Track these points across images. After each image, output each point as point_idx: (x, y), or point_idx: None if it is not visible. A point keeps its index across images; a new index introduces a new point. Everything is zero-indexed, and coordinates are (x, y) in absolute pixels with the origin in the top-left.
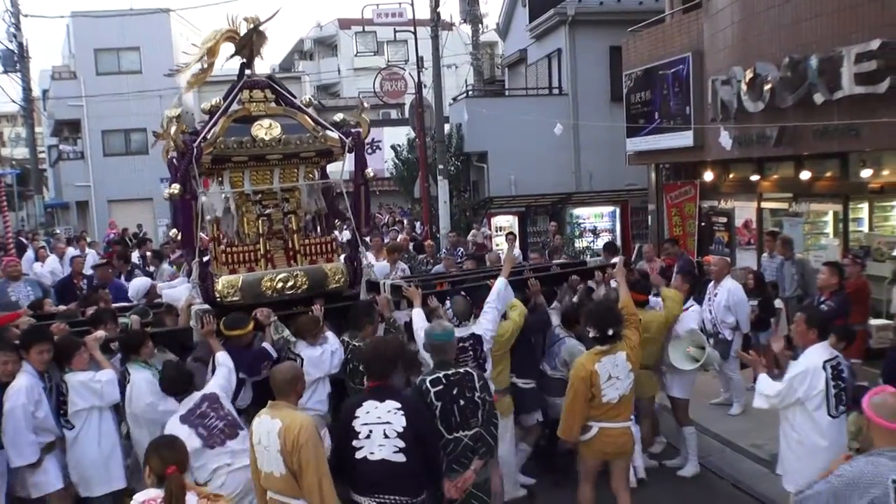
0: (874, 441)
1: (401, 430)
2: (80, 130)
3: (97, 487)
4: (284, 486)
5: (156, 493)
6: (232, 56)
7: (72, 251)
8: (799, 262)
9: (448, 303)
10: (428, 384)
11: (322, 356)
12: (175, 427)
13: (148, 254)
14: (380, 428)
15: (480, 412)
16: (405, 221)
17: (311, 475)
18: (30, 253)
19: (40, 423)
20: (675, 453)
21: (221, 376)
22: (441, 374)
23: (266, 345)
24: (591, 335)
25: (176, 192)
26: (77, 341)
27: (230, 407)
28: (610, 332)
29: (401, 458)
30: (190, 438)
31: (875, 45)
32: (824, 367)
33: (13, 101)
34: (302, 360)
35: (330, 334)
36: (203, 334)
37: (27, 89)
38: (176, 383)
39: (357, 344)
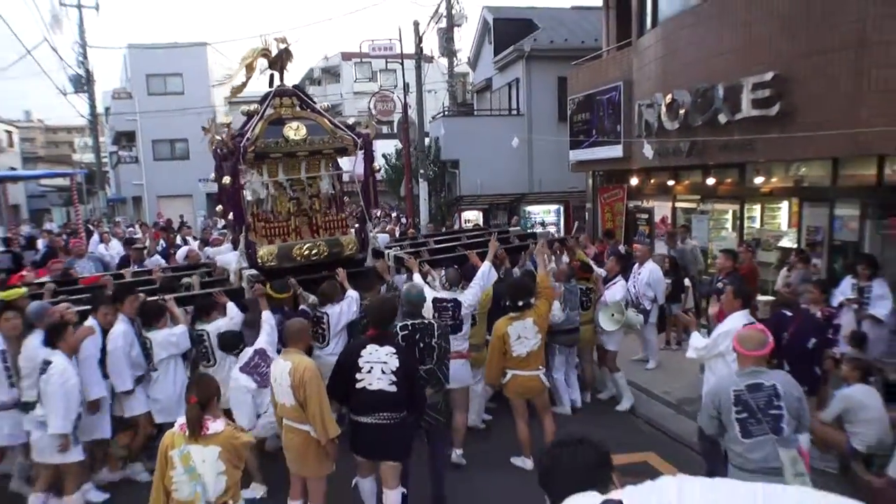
0: (738, 363)
1: (395, 368)
2: (134, 140)
3: (171, 416)
4: (294, 413)
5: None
6: (265, 70)
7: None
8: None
9: (443, 272)
10: (398, 328)
11: (341, 311)
12: (237, 375)
13: (188, 238)
14: (378, 366)
15: (435, 353)
16: (393, 215)
17: (314, 405)
18: (95, 236)
19: (134, 360)
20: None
21: (266, 333)
22: (409, 322)
23: (304, 307)
24: (507, 304)
25: (228, 181)
26: (161, 306)
27: (275, 356)
28: (520, 303)
29: (393, 389)
30: (248, 382)
31: (769, 76)
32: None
33: (82, 116)
34: (328, 316)
35: (349, 291)
36: (255, 295)
37: (93, 107)
38: (229, 345)
39: (366, 302)
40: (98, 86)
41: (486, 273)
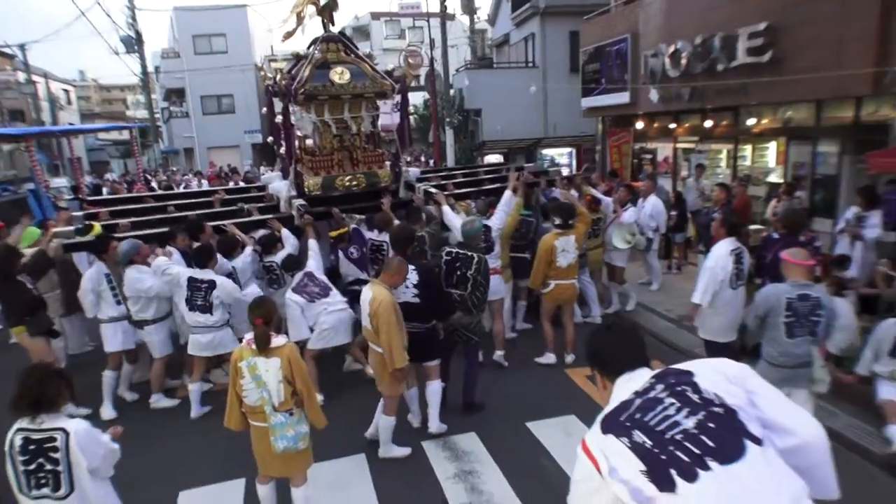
0: (787, 275)
1: (416, 282)
2: (184, 96)
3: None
4: (372, 337)
5: (251, 336)
6: (314, 15)
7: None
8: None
9: (472, 203)
10: (443, 254)
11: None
12: (290, 295)
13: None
14: (401, 286)
15: (470, 284)
16: (422, 159)
17: (384, 335)
18: (153, 184)
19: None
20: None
21: (313, 258)
22: (454, 251)
23: (355, 224)
24: (556, 223)
25: (279, 119)
26: (237, 240)
27: (322, 277)
28: (570, 222)
29: (417, 300)
30: (299, 300)
31: (762, 26)
32: (730, 254)
33: (134, 75)
34: (387, 244)
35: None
36: (303, 224)
37: (144, 66)
38: (292, 266)
39: (424, 232)
40: (147, 46)
41: (508, 200)
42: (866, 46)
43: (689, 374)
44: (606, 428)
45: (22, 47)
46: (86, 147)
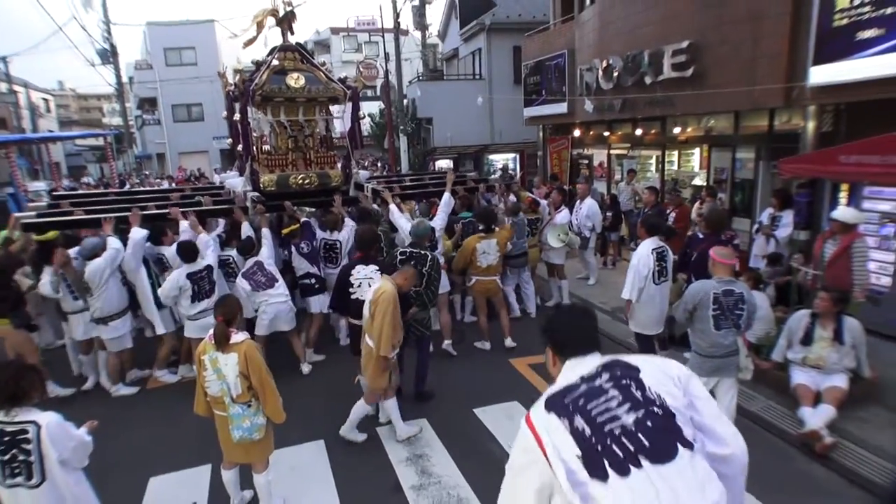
0: (713, 272)
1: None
2: (156, 105)
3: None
4: (368, 327)
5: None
6: (273, 27)
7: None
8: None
9: (416, 204)
10: (398, 253)
11: (347, 237)
12: (239, 281)
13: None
14: (366, 281)
15: (424, 280)
16: (378, 164)
17: (378, 320)
18: (128, 187)
19: None
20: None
21: (266, 246)
22: (408, 250)
23: (305, 217)
24: (479, 227)
25: (237, 118)
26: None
27: (270, 268)
28: (493, 227)
29: None
30: (245, 285)
31: (685, 44)
32: (651, 253)
33: (109, 85)
34: (339, 242)
35: (348, 220)
36: (257, 213)
37: (118, 77)
38: (246, 250)
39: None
40: (122, 58)
41: (447, 202)
42: (777, 64)
43: (636, 369)
44: (550, 407)
45: (3, 59)
46: (64, 152)
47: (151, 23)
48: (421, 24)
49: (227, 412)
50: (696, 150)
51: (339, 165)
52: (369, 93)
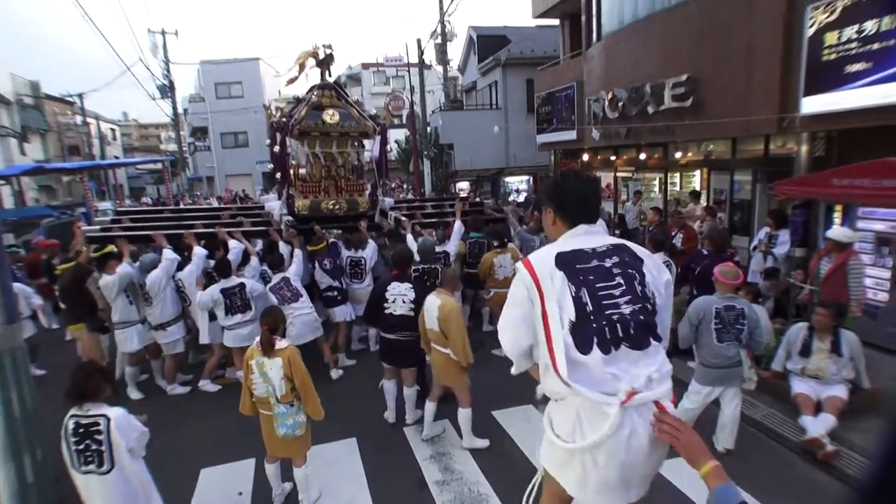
0: (717, 289)
1: (413, 298)
2: (207, 133)
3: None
4: (438, 339)
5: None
6: (313, 67)
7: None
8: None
9: (434, 232)
10: (411, 272)
11: (371, 256)
12: (268, 294)
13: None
14: (400, 297)
15: None
16: (404, 186)
17: (455, 337)
18: (182, 206)
19: None
20: None
21: (295, 265)
22: (421, 267)
23: (333, 238)
24: (494, 244)
25: (277, 149)
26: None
27: (296, 284)
28: (505, 241)
29: (411, 314)
30: (272, 299)
31: (684, 77)
32: None
33: (167, 116)
34: (364, 259)
35: (370, 241)
36: (290, 236)
37: (175, 109)
38: (276, 265)
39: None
40: (178, 92)
41: (458, 229)
42: (770, 95)
43: (641, 261)
44: (560, 264)
45: (80, 96)
46: (126, 175)
47: (205, 61)
48: (443, 60)
49: (272, 411)
50: (697, 173)
51: (367, 193)
52: (396, 121)
